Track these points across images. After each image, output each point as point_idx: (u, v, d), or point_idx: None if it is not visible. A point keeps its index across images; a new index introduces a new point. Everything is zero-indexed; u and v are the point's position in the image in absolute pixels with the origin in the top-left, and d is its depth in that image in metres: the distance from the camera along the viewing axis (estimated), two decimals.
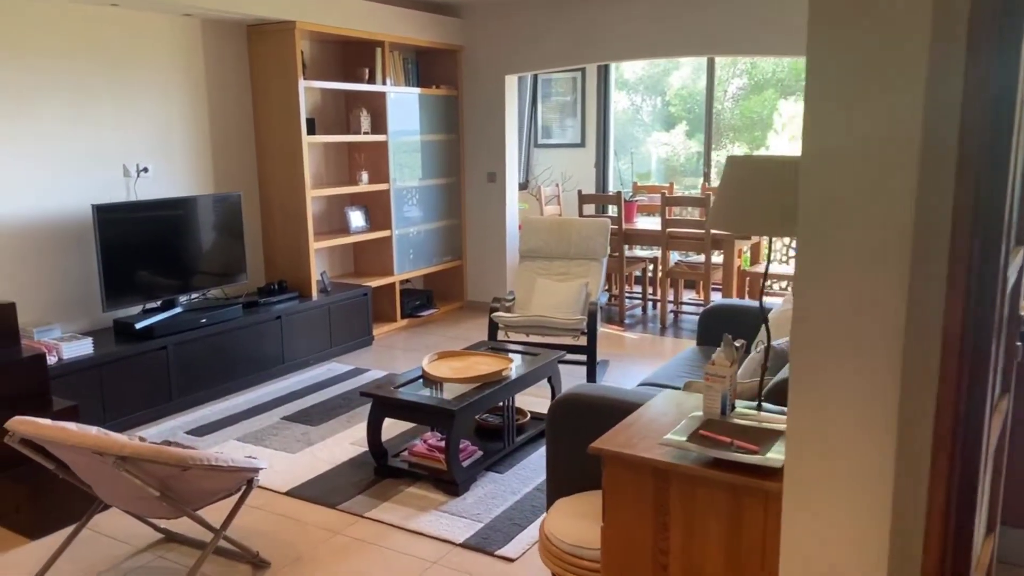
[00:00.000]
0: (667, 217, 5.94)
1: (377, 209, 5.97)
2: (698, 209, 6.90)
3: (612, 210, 7.51)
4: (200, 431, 4.05)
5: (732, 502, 1.63)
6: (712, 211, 1.92)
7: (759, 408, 1.97)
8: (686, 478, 1.68)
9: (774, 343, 2.98)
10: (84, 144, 4.28)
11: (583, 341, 4.75)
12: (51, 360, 3.74)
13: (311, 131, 5.24)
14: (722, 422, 1.83)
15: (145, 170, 4.57)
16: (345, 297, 5.39)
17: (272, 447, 3.85)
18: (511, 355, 3.99)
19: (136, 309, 4.46)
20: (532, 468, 3.56)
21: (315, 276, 5.29)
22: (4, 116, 3.93)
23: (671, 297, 6.60)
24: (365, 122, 5.71)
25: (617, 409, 2.42)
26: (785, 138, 9.34)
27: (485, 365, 3.68)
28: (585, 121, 7.93)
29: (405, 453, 3.55)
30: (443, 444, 3.48)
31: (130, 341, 4.14)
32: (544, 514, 3.10)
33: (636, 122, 8.31)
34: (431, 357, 3.79)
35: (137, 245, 4.26)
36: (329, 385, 4.76)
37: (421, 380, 3.65)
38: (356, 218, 5.83)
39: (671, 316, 6.45)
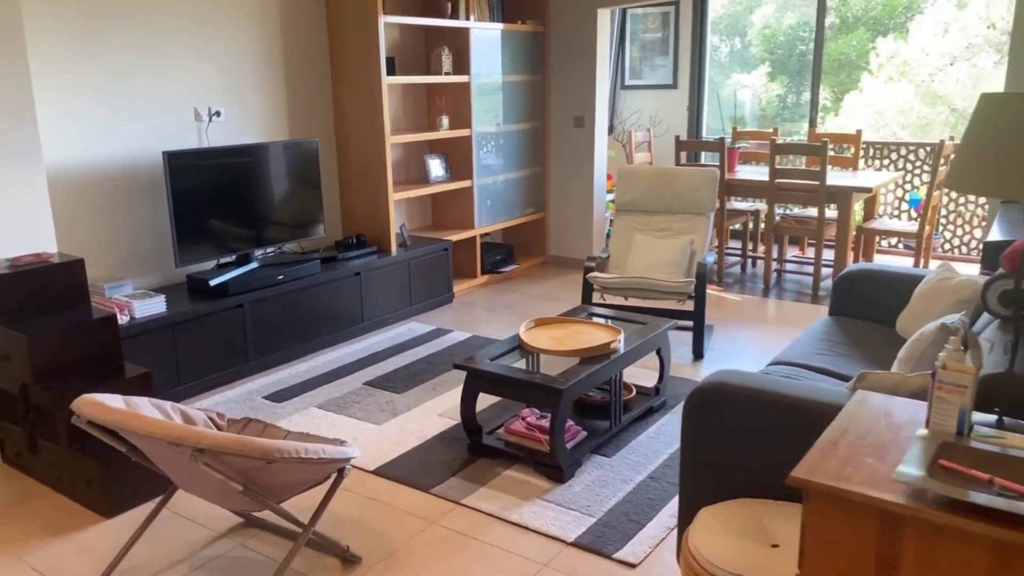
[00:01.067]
0: (775, 167, 5.39)
1: (457, 157, 5.56)
2: (802, 158, 6.32)
3: (704, 157, 6.94)
4: (279, 396, 3.78)
5: (996, 565, 1.22)
6: (956, 167, 1.46)
7: (1000, 424, 1.53)
8: (928, 527, 1.26)
9: (946, 320, 2.50)
10: (154, 87, 3.97)
11: (687, 305, 4.32)
12: (122, 320, 3.49)
13: (391, 71, 4.83)
14: (962, 447, 1.40)
15: (217, 114, 4.25)
16: (425, 252, 5.04)
17: (356, 416, 3.55)
18: (614, 323, 3.59)
19: (209, 264, 4.19)
20: (643, 452, 3.18)
21: (394, 229, 4.94)
22: (72, 56, 3.63)
23: (774, 255, 6.07)
24: (447, 62, 5.28)
25: (780, 406, 2.01)
26: (882, 79, 8.55)
27: (589, 335, 3.29)
28: (678, 60, 7.32)
29: (501, 431, 3.21)
30: (543, 423, 3.13)
31: (204, 299, 3.88)
32: (671, 517, 2.72)
33: (714, 64, 7.66)
34: (528, 325, 3.41)
35: (210, 195, 3.96)
36: (411, 347, 4.45)
37: (517, 351, 3.29)
38: (435, 167, 5.44)
39: (774, 275, 5.93)
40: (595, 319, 3.64)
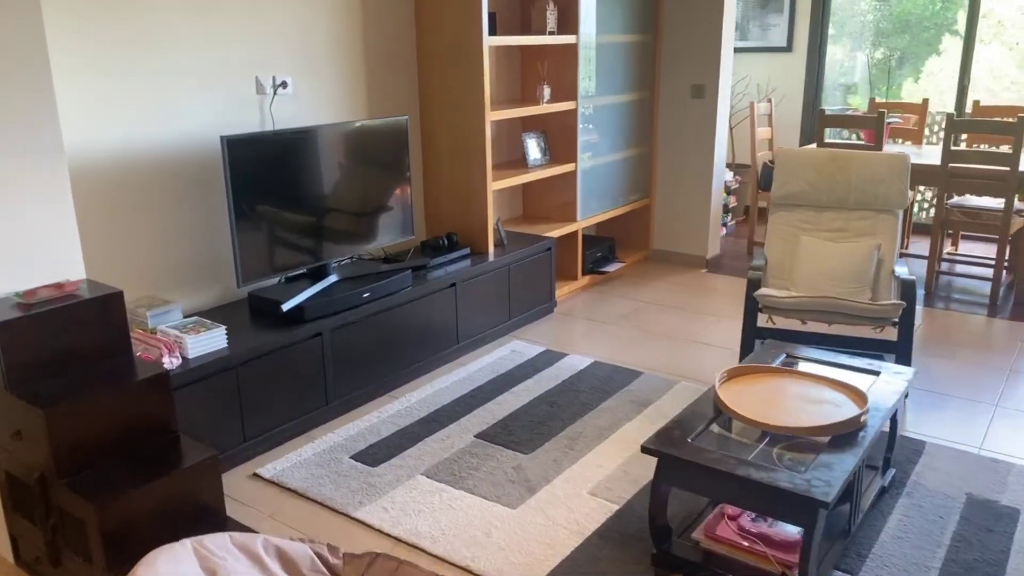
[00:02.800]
0: (950, 148, 4.39)
1: (557, 135, 4.61)
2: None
3: (841, 135, 5.92)
4: (371, 456, 2.91)
5: None
6: None
7: None
8: None
9: None
10: (206, 51, 3.06)
11: (882, 333, 3.38)
12: (170, 363, 2.62)
13: (492, 31, 3.88)
14: None
15: (283, 85, 3.34)
16: (526, 253, 4.12)
17: (479, 492, 2.67)
18: (822, 370, 2.67)
19: (275, 278, 3.31)
20: (898, 566, 2.27)
21: (491, 226, 4.03)
22: (104, 9, 2.72)
23: (942, 252, 5.09)
24: (551, 18, 4.30)
25: None
26: (974, 43, 7.43)
27: (820, 399, 2.36)
28: (795, 19, 6.27)
29: (698, 534, 2.31)
30: (767, 530, 2.23)
31: (274, 327, 3.00)
32: None
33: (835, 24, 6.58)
34: (721, 378, 2.50)
35: (281, 190, 3.07)
36: (521, 378, 3.56)
37: (715, 420, 2.37)
38: (532, 148, 4.50)
39: (938, 277, 4.95)
40: (802, 364, 2.72)
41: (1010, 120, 4.29)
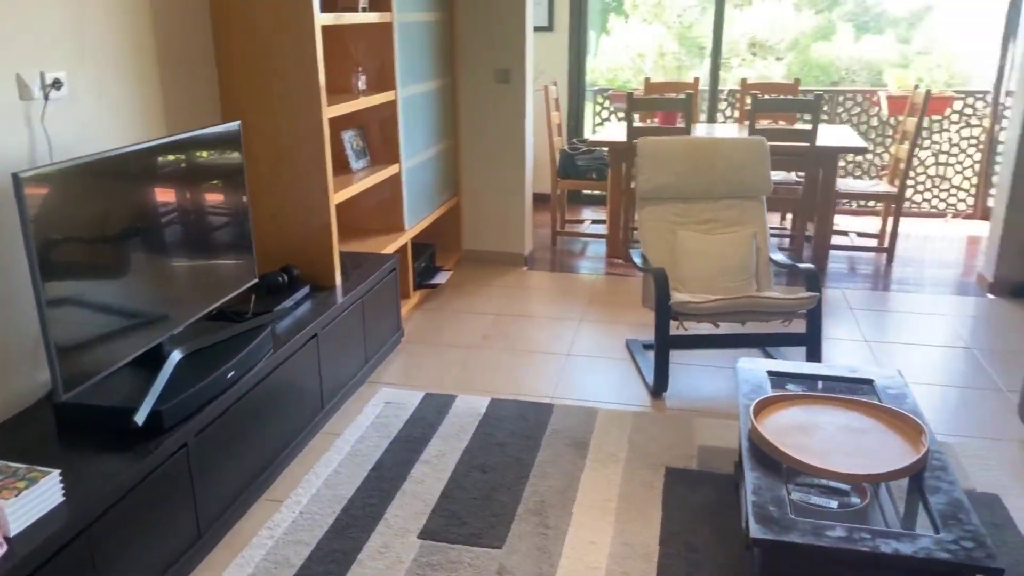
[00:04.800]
0: (755, 126, 4.51)
1: (377, 132, 3.89)
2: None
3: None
4: None
5: None
6: None
7: None
8: None
9: None
10: None
11: (788, 327, 3.28)
12: None
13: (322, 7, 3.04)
14: None
15: (56, 85, 2.24)
16: (375, 279, 3.39)
17: None
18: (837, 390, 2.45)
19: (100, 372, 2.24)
20: None
21: (336, 250, 3.23)
22: None
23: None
24: None
25: None
26: (636, 21, 8.23)
27: (859, 426, 2.11)
28: None
29: None
30: None
31: (117, 450, 2.00)
32: None
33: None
34: (752, 409, 2.13)
35: (97, 243, 2.04)
36: (421, 439, 2.88)
37: (785, 479, 2.01)
38: (351, 149, 3.73)
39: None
40: (789, 385, 2.46)
41: (806, 99, 4.51)
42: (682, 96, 4.64)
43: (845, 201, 5.73)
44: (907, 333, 3.85)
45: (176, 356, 2.32)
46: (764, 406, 2.22)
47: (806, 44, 9.24)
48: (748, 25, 8.87)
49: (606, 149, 5.09)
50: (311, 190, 3.11)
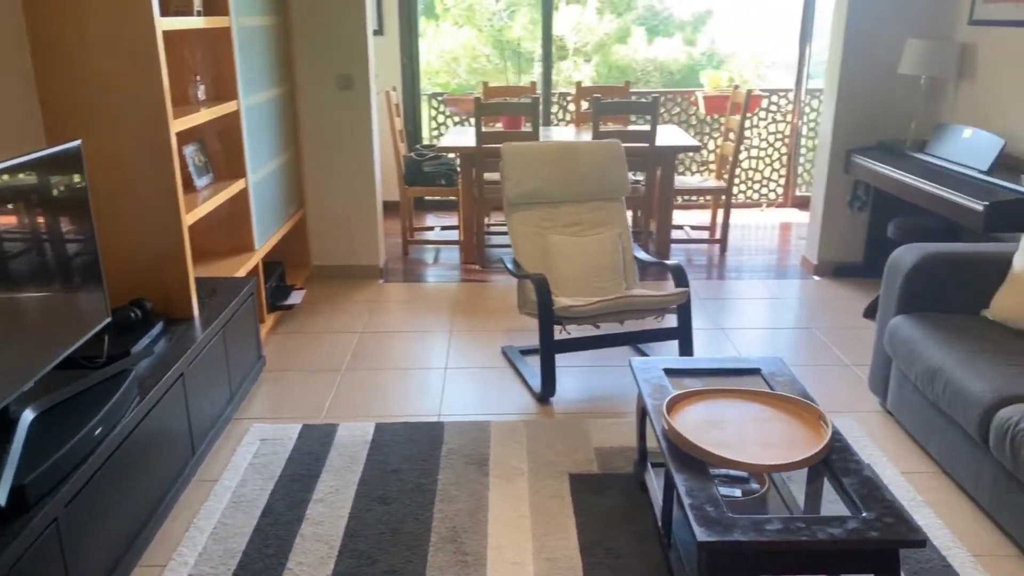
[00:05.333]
0: (599, 129, 4.63)
1: (218, 145, 3.57)
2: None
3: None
4: None
5: None
6: None
7: None
8: None
9: None
10: None
11: (659, 322, 3.38)
12: None
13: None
14: None
15: None
16: (236, 306, 3.12)
17: None
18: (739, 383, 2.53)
19: None
20: None
21: (192, 276, 2.92)
22: None
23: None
24: None
25: None
26: (448, 23, 8.48)
27: (784, 424, 2.20)
28: (381, 1, 5.94)
29: None
30: None
31: None
32: None
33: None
34: (662, 408, 2.16)
35: None
36: (308, 476, 2.68)
37: (700, 473, 2.04)
38: (193, 164, 3.40)
39: None
40: (686, 380, 2.53)
41: (646, 101, 4.68)
42: (527, 100, 4.67)
43: (679, 197, 6.05)
44: (754, 318, 4.11)
45: (28, 417, 1.98)
46: (671, 405, 2.25)
47: (609, 47, 9.70)
48: (555, 28, 9.19)
49: (453, 155, 5.04)
50: (159, 214, 2.79)
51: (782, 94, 6.38)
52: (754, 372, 2.57)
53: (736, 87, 5.44)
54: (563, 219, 3.60)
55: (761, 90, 6.40)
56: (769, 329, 3.97)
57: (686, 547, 2.26)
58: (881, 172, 4.12)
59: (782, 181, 6.50)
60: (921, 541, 1.73)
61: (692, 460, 2.04)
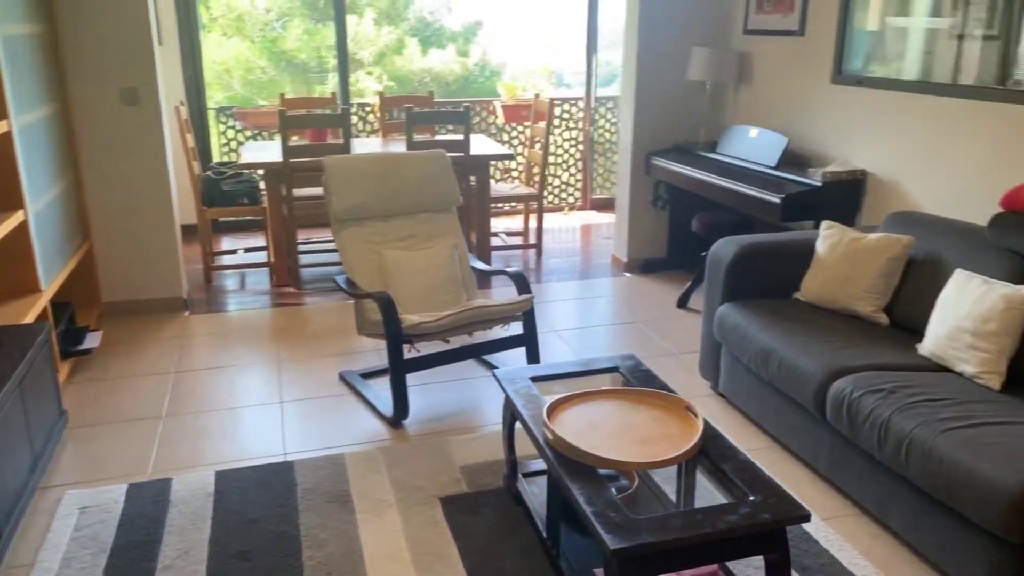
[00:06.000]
0: (413, 139, 4.56)
1: None
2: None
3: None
4: None
5: None
6: None
7: None
8: None
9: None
10: None
11: (504, 331, 3.37)
12: None
13: None
14: None
15: None
16: (31, 357, 2.68)
17: None
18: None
19: None
20: None
21: None
22: None
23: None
24: None
25: None
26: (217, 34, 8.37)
27: (649, 418, 2.24)
28: (158, 6, 5.43)
29: None
30: None
31: None
32: None
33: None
34: (543, 417, 2.13)
35: None
36: (148, 541, 2.36)
37: (590, 479, 2.03)
38: None
39: None
40: (554, 385, 2.52)
41: (457, 111, 4.66)
42: (333, 111, 4.48)
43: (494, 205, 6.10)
44: (581, 318, 4.24)
45: None
46: (548, 413, 2.24)
47: (389, 57, 9.67)
48: (330, 40, 9.04)
49: (256, 172, 4.71)
50: None
51: (573, 102, 6.66)
52: (613, 370, 2.63)
53: (537, 96, 5.60)
54: (395, 233, 3.48)
55: (554, 99, 6.65)
56: (598, 327, 4.11)
57: (576, 553, 2.26)
58: (679, 172, 4.41)
59: (580, 185, 6.79)
60: (807, 516, 1.85)
61: (581, 466, 2.03)
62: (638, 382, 2.50)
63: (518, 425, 2.57)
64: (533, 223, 5.55)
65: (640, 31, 4.57)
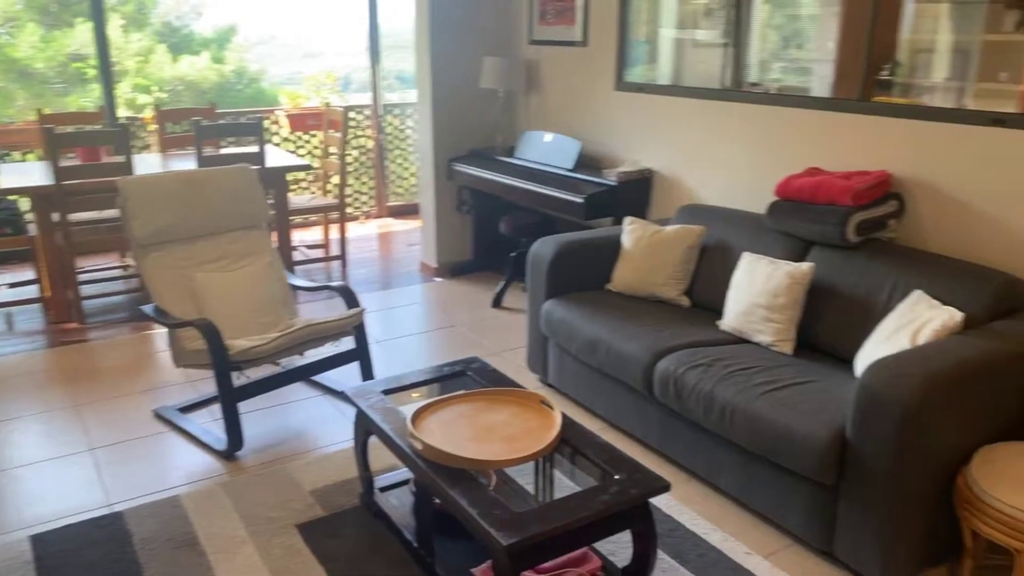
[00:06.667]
0: (203, 154, 4.30)
1: None
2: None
3: None
4: None
5: None
6: None
7: None
8: None
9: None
10: None
11: (335, 347, 3.28)
12: None
13: None
14: None
15: None
16: None
17: None
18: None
19: None
20: None
21: None
22: None
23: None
24: None
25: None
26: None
27: (509, 415, 2.31)
28: None
29: None
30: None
31: None
32: None
33: None
34: (409, 429, 2.14)
35: None
36: None
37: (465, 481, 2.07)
38: None
39: None
40: (404, 394, 2.52)
41: (249, 122, 4.44)
42: (107, 127, 4.11)
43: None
44: (401, 326, 4.25)
45: None
46: (424, 413, 2.25)
47: (139, 65, 9.02)
48: (71, 47, 8.30)
49: (16, 198, 4.20)
50: None
51: (359, 110, 6.61)
52: (461, 374, 2.69)
53: (327, 104, 5.50)
54: (205, 255, 3.28)
55: (343, 107, 6.55)
56: (420, 334, 4.14)
57: (448, 557, 2.29)
58: (483, 177, 4.56)
59: (373, 193, 6.75)
60: (667, 486, 2.03)
61: (455, 471, 2.07)
62: (489, 382, 2.58)
63: (371, 440, 2.55)
64: (333, 234, 5.46)
65: (432, 40, 4.65)
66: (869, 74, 3.02)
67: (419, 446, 2.13)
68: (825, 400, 2.37)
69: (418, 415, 2.28)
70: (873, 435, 2.12)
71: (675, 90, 3.85)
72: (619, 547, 2.39)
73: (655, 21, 3.95)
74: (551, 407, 2.33)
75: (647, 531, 2.07)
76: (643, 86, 4.03)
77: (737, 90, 3.54)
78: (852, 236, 2.82)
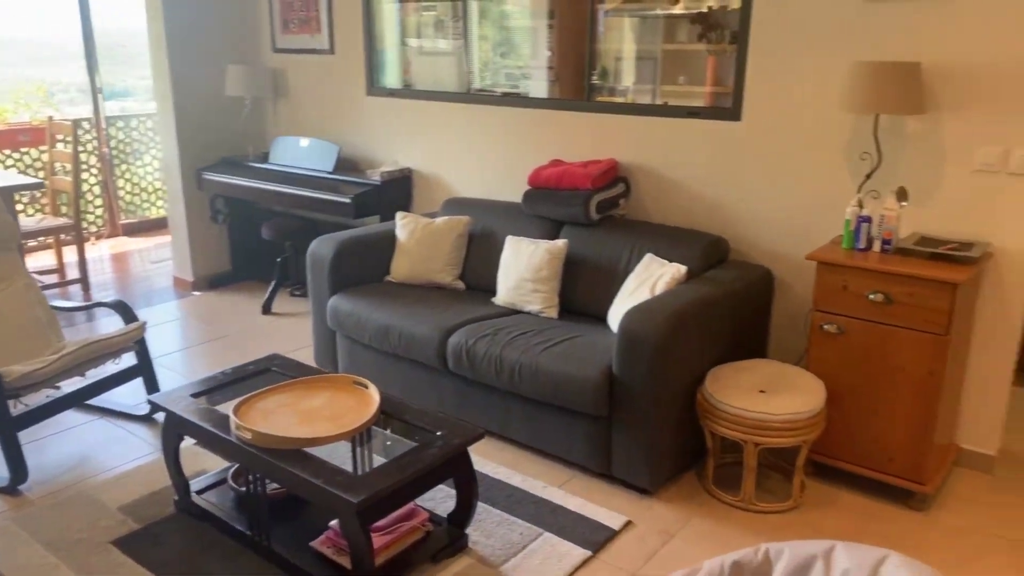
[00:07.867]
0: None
1: None
2: None
3: None
4: None
5: None
6: None
7: None
8: None
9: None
10: None
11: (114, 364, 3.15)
12: None
13: None
14: None
15: None
16: None
17: None
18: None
19: None
20: None
21: None
22: None
23: None
24: None
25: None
26: None
27: (328, 398, 2.47)
28: None
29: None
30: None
31: None
32: None
33: None
34: (235, 422, 2.23)
35: None
36: None
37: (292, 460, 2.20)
38: None
39: None
40: (217, 395, 2.57)
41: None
42: None
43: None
44: (169, 343, 4.13)
45: None
46: (248, 404, 2.34)
47: None
48: None
49: None
50: None
51: (80, 122, 6.13)
52: (266, 371, 2.79)
53: (51, 118, 5.09)
54: None
55: (64, 120, 6.04)
56: (191, 348, 4.06)
57: (285, 539, 2.41)
58: (237, 184, 4.55)
59: (102, 212, 6.30)
60: (481, 434, 2.35)
61: (287, 453, 2.21)
62: (299, 373, 2.72)
63: (183, 445, 2.57)
64: (68, 257, 5.07)
65: (169, 48, 4.53)
66: (589, 78, 3.59)
67: (249, 435, 2.24)
68: (592, 349, 2.84)
69: (240, 408, 2.38)
70: (633, 368, 2.61)
71: (422, 94, 4.19)
72: (436, 503, 2.66)
73: (398, 31, 4.26)
74: (365, 385, 2.54)
75: (469, 476, 2.38)
76: (394, 91, 4.32)
77: (468, 93, 3.98)
78: (593, 214, 3.36)
